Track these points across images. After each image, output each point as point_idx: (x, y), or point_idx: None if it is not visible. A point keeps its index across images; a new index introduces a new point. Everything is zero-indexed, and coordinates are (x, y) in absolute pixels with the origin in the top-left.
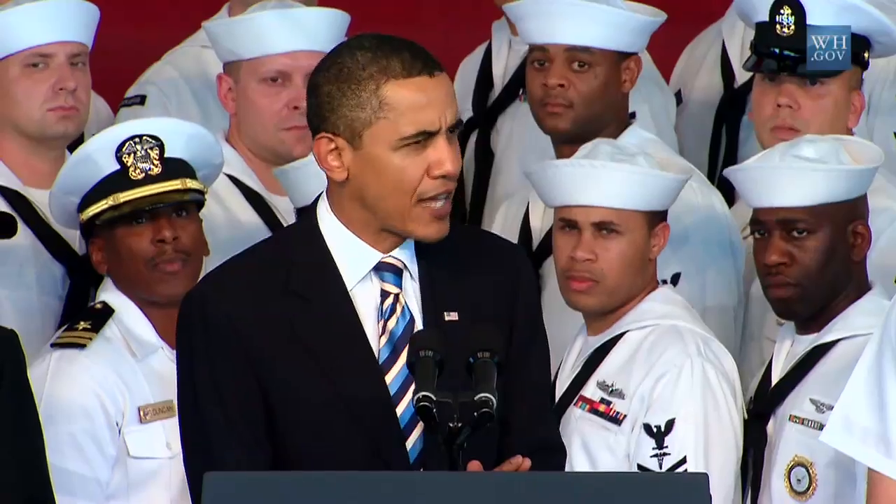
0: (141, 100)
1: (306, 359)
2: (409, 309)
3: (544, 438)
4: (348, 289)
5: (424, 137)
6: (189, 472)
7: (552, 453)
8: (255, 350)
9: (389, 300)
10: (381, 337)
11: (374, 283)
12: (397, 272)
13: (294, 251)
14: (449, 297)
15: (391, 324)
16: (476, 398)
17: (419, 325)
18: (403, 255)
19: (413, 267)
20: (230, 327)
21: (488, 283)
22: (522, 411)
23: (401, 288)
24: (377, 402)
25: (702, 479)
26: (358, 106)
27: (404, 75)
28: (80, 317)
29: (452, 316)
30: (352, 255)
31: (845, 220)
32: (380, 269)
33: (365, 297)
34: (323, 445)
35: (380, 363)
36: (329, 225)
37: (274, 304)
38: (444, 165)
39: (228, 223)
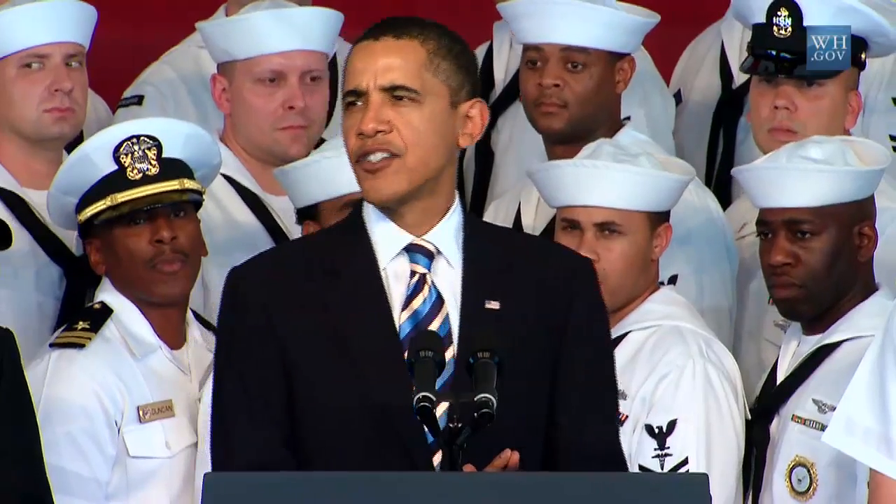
0: (138, 100)
1: (329, 332)
2: (436, 290)
3: (598, 446)
4: (381, 267)
5: (355, 97)
6: (211, 447)
7: (604, 466)
8: (281, 326)
9: (416, 279)
10: (402, 312)
11: (405, 264)
12: (428, 255)
13: (334, 235)
14: (493, 287)
15: (416, 303)
16: (476, 398)
17: (451, 309)
18: (439, 240)
19: (453, 253)
20: (258, 303)
21: (538, 281)
22: (573, 416)
23: (429, 270)
24: (394, 375)
25: (702, 480)
26: None
27: (358, 41)
28: (79, 317)
29: (493, 304)
30: (386, 236)
31: (851, 221)
32: (411, 250)
33: (396, 277)
34: (339, 415)
35: (400, 338)
36: (370, 209)
37: (306, 282)
38: (360, 124)
39: (225, 223)
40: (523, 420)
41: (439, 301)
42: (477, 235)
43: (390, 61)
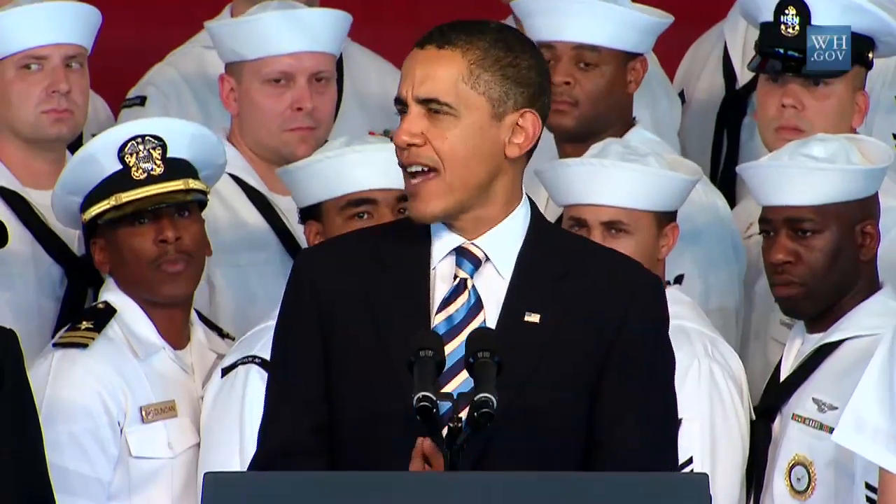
0: (141, 101)
1: (368, 324)
2: (476, 297)
3: (629, 464)
4: (431, 266)
5: (400, 105)
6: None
7: None
8: (326, 312)
9: (456, 283)
10: (437, 314)
11: (453, 267)
12: (475, 260)
13: (400, 230)
14: (539, 298)
15: (452, 307)
16: (476, 398)
17: (490, 318)
18: (490, 246)
19: (505, 261)
20: (311, 288)
21: (594, 293)
22: (622, 436)
23: (472, 276)
24: None
25: (702, 480)
26: None
27: (413, 46)
28: (82, 316)
29: (533, 318)
30: (442, 236)
31: (854, 219)
32: (460, 254)
33: (442, 278)
34: (366, 408)
35: None
36: None
37: (359, 271)
38: (395, 135)
39: (231, 223)
40: (562, 429)
41: (477, 308)
42: (538, 244)
43: (427, 72)
